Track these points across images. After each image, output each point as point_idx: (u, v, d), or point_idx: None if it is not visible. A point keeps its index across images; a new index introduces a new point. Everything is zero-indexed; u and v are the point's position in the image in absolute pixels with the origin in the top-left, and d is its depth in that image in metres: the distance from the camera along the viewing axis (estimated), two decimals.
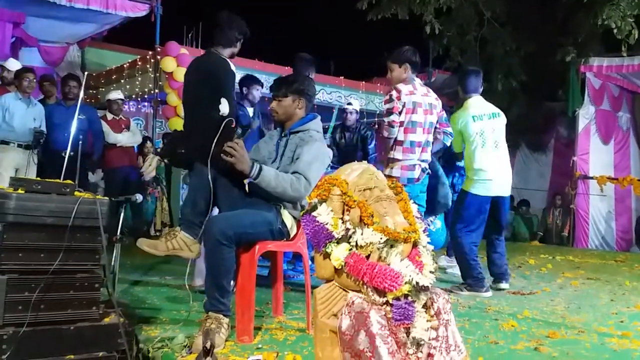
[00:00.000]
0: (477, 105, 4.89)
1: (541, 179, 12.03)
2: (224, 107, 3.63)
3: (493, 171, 4.77)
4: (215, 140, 2.91)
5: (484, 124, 4.82)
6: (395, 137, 4.31)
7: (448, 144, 4.83)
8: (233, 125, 2.98)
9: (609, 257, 8.46)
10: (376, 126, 9.88)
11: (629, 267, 7.30)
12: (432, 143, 4.53)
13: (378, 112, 10.01)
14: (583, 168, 10.39)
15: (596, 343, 3.15)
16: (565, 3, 9.29)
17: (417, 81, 4.47)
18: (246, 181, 3.11)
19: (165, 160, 7.55)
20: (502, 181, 4.83)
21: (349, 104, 6.52)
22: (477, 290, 4.63)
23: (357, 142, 6.39)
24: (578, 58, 9.97)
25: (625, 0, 8.77)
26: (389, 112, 4.31)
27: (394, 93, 4.30)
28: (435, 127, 4.54)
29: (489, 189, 4.76)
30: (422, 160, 4.39)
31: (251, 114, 5.41)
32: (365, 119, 10.49)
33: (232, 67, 3.86)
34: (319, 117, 3.33)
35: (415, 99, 4.32)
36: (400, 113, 4.29)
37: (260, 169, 2.92)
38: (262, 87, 5.68)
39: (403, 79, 4.41)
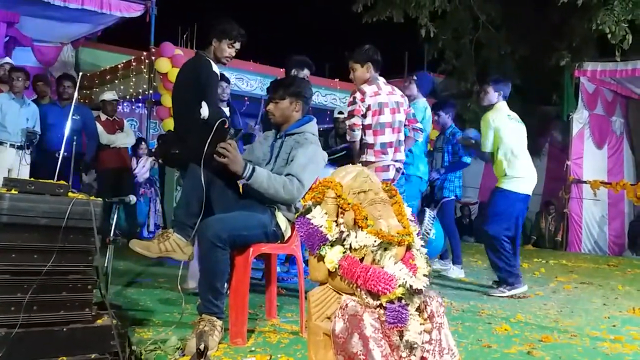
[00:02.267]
0: (506, 108, 5.04)
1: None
2: (204, 111, 3.67)
3: (525, 169, 4.88)
4: (208, 141, 2.91)
5: (516, 124, 4.99)
6: (365, 141, 4.31)
7: (420, 139, 4.84)
8: (226, 126, 2.97)
9: (602, 262, 8.49)
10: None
11: (621, 271, 7.32)
12: (405, 141, 4.53)
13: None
14: (577, 172, 10.41)
15: (589, 347, 3.16)
16: (560, 8, 9.31)
17: (381, 80, 4.42)
18: (240, 182, 3.10)
19: (160, 161, 7.52)
20: (532, 179, 4.94)
21: (340, 112, 6.50)
22: (517, 287, 4.71)
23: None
24: (572, 62, 10.00)
25: (619, 5, 8.81)
26: (351, 114, 4.30)
27: (358, 95, 4.29)
28: (405, 125, 4.52)
29: (523, 185, 4.85)
30: (396, 160, 4.37)
31: (228, 114, 5.41)
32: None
33: (214, 68, 3.87)
34: (315, 120, 3.34)
35: (380, 99, 4.30)
36: (364, 116, 4.28)
37: (253, 170, 2.92)
38: (229, 83, 5.63)
39: (366, 79, 4.37)
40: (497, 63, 11.11)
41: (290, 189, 2.96)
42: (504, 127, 4.88)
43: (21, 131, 5.83)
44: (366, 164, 4.28)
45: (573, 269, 7.32)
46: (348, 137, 4.36)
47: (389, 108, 4.32)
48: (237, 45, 4.00)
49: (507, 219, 4.82)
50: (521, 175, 4.85)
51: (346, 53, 4.50)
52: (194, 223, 3.02)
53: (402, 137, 4.45)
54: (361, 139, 4.35)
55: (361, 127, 4.29)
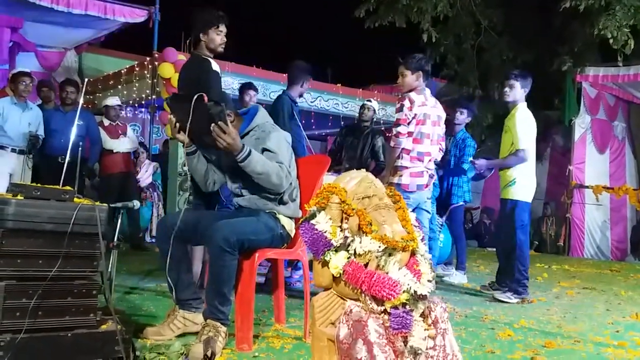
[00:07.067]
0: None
1: (537, 187, 12.01)
2: None
3: (533, 174, 4.87)
4: (190, 116, 2.83)
5: (534, 128, 4.88)
6: (404, 146, 4.37)
7: (439, 158, 4.89)
8: (205, 101, 2.87)
9: (604, 267, 8.48)
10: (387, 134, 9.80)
11: (624, 276, 7.32)
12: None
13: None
14: (579, 177, 10.42)
15: (592, 353, 3.16)
16: (562, 13, 9.34)
17: (427, 91, 4.49)
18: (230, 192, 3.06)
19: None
20: (535, 186, 4.93)
21: (369, 100, 6.49)
22: (524, 296, 4.69)
23: (364, 147, 6.12)
24: (574, 67, 10.03)
25: (621, 10, 8.83)
26: (396, 123, 4.36)
27: (407, 103, 4.34)
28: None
29: (531, 194, 4.84)
30: (429, 168, 4.47)
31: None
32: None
33: (214, 66, 3.85)
34: (261, 107, 3.28)
35: (426, 110, 4.38)
36: (409, 124, 4.34)
37: (250, 153, 2.88)
38: (257, 91, 5.68)
39: (414, 87, 4.43)
40: (499, 68, 11.13)
41: (281, 175, 2.96)
42: (532, 131, 4.80)
43: (22, 135, 5.84)
44: (401, 168, 4.36)
45: (576, 274, 7.31)
46: (392, 144, 4.42)
47: (431, 120, 4.41)
48: (223, 27, 3.86)
49: (527, 227, 4.86)
50: (530, 182, 4.80)
51: (399, 58, 4.54)
52: (194, 293, 3.10)
53: (436, 150, 4.55)
54: None
55: (406, 135, 4.35)
